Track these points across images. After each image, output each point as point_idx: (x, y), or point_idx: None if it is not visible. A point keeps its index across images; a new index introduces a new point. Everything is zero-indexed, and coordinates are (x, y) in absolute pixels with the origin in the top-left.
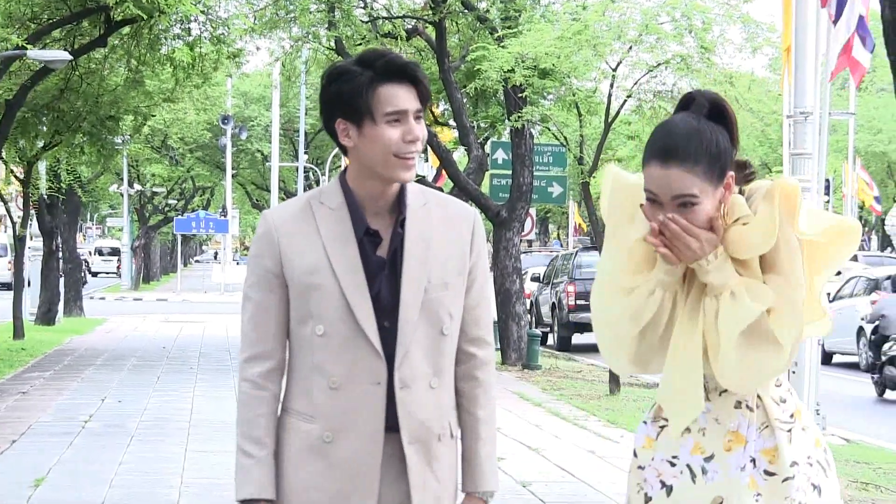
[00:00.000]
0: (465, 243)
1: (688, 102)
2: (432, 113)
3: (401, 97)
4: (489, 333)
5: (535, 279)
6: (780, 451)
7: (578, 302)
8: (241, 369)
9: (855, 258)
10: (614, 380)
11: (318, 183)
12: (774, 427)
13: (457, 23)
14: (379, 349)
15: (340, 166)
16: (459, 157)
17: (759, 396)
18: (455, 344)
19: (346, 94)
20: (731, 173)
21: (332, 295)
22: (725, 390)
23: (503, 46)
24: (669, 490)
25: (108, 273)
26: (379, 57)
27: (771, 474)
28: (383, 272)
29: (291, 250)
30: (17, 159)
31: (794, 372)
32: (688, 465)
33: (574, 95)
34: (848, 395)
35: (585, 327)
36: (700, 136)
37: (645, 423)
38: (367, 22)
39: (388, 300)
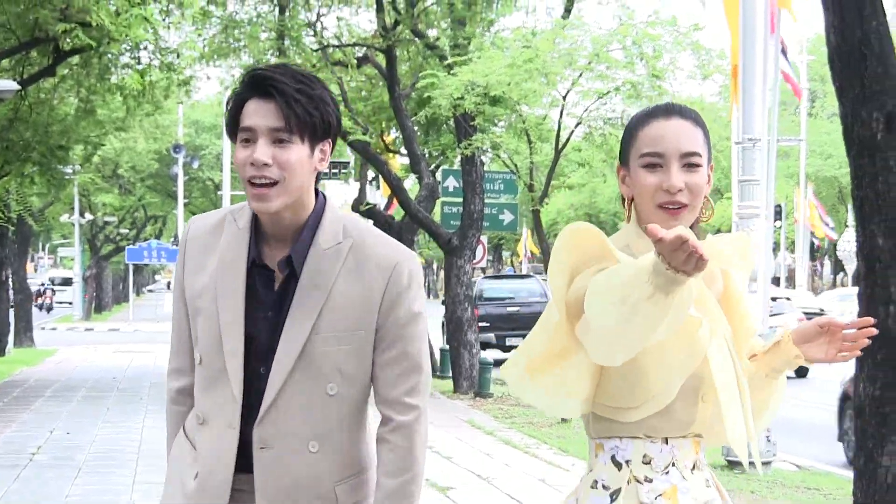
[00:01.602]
0: (374, 295)
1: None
2: (383, 141)
3: (251, 113)
4: (413, 396)
5: None
6: None
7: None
8: (166, 380)
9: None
10: None
11: None
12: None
13: (407, 50)
14: (236, 393)
15: None
16: (411, 185)
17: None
18: (356, 405)
19: (227, 116)
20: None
21: (210, 323)
22: (696, 467)
23: (453, 74)
24: None
25: (60, 303)
26: (251, 72)
27: None
28: (267, 311)
29: (192, 265)
30: None
31: None
32: None
33: (524, 123)
34: (798, 419)
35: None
36: (695, 112)
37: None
38: (316, 50)
39: (266, 343)
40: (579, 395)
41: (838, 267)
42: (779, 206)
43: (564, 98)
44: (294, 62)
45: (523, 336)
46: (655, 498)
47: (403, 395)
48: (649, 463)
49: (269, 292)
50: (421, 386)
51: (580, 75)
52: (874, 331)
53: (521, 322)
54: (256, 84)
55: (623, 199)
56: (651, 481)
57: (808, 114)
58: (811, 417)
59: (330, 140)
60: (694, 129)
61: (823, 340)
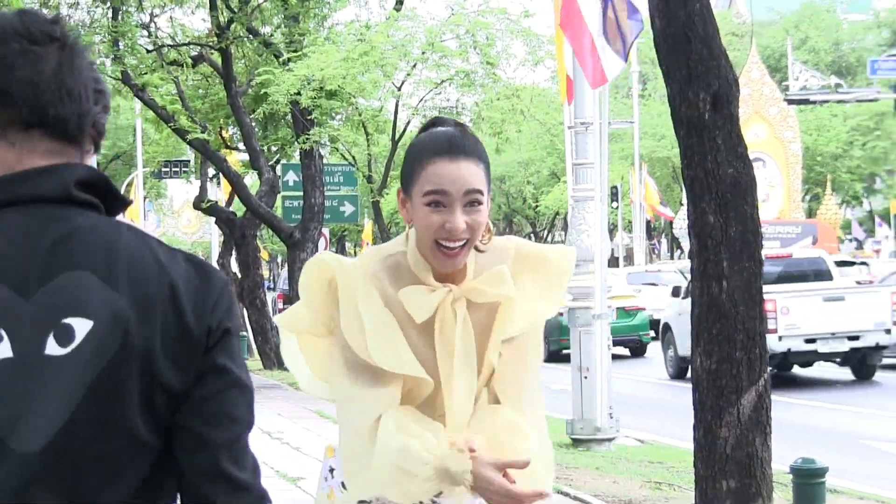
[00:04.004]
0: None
1: (436, 123)
2: (222, 138)
3: None
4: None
5: None
6: None
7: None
8: None
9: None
10: None
11: None
12: None
13: (242, 48)
14: None
15: (137, 195)
16: (251, 181)
17: None
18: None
19: None
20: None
21: None
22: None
23: (289, 70)
24: None
25: None
26: None
27: None
28: None
29: None
30: None
31: (585, 377)
32: None
33: (361, 115)
34: (640, 396)
35: None
36: (475, 139)
37: None
38: (151, 51)
39: None
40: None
41: (675, 245)
42: (615, 187)
43: (400, 89)
44: (129, 65)
45: None
46: None
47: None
48: None
49: None
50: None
51: (414, 66)
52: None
53: None
54: None
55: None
56: None
57: (640, 96)
58: (652, 393)
59: None
60: (477, 167)
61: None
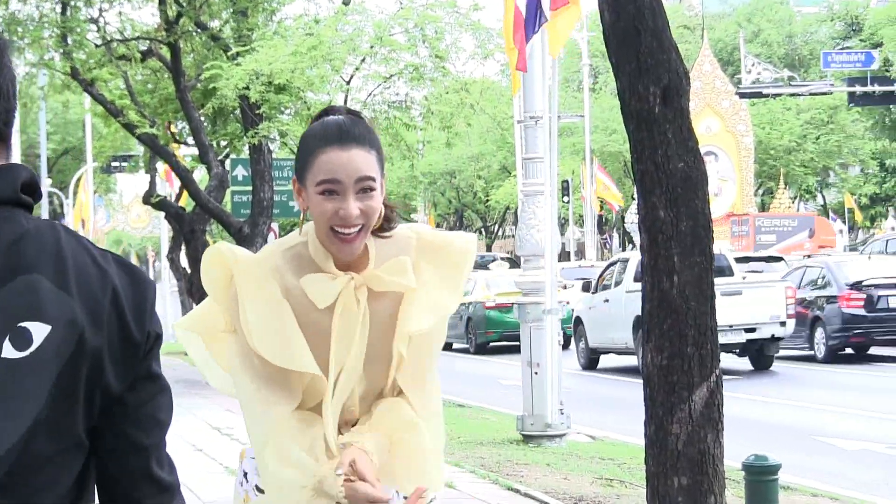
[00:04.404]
0: None
1: (328, 112)
2: (171, 132)
3: None
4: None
5: None
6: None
7: None
8: None
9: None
10: None
11: (62, 207)
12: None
13: (191, 42)
14: None
15: (86, 191)
16: (200, 176)
17: None
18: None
19: None
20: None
21: None
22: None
23: (237, 64)
24: None
25: None
26: None
27: None
28: None
29: None
30: None
31: (536, 373)
32: None
33: (310, 109)
34: (589, 391)
35: None
36: (367, 126)
37: None
38: (100, 45)
39: None
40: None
41: (627, 239)
42: (566, 181)
43: (349, 83)
44: (78, 60)
45: None
46: None
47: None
48: None
49: None
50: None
51: (363, 60)
52: None
53: None
54: None
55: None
56: None
57: (591, 90)
58: (605, 390)
59: None
60: (368, 154)
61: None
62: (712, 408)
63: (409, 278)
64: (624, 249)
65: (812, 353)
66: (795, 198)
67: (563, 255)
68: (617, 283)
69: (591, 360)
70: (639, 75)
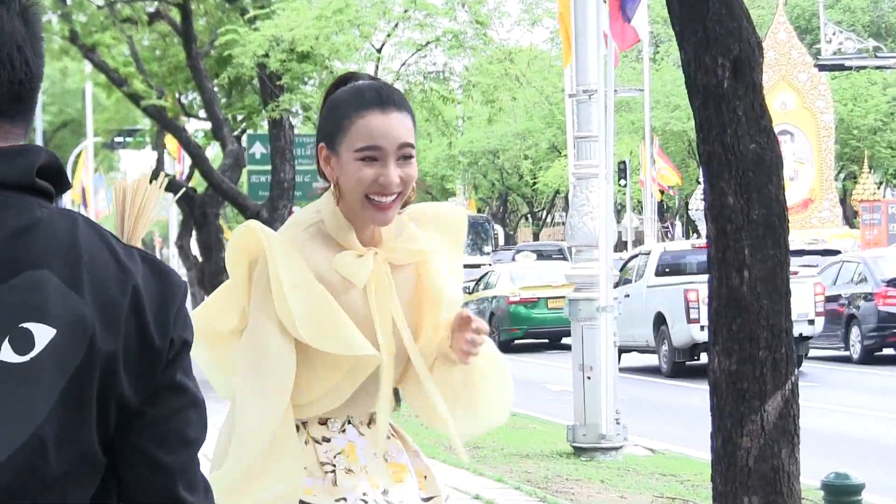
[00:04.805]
0: None
1: (348, 79)
2: (181, 104)
3: None
4: None
5: None
6: (432, 474)
7: None
8: None
9: None
10: (396, 393)
11: None
12: (417, 452)
13: (204, 4)
14: None
15: (86, 168)
16: (214, 153)
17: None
18: None
19: None
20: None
21: None
22: (372, 420)
23: (255, 29)
24: None
25: None
26: None
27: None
28: None
29: None
30: None
31: (588, 378)
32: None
33: None
34: (646, 399)
35: None
36: (401, 92)
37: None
38: (102, 7)
39: None
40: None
41: (691, 228)
42: (622, 163)
43: (380, 51)
44: (78, 23)
45: None
46: (335, 456)
47: None
48: (325, 423)
49: None
50: None
51: (396, 25)
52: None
53: None
54: None
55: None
56: (329, 440)
57: (652, 60)
58: (663, 396)
59: None
60: (407, 119)
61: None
62: (787, 419)
63: (424, 244)
64: (688, 239)
65: (847, 353)
66: (881, 183)
67: (620, 245)
68: (638, 278)
69: None
70: (706, 45)
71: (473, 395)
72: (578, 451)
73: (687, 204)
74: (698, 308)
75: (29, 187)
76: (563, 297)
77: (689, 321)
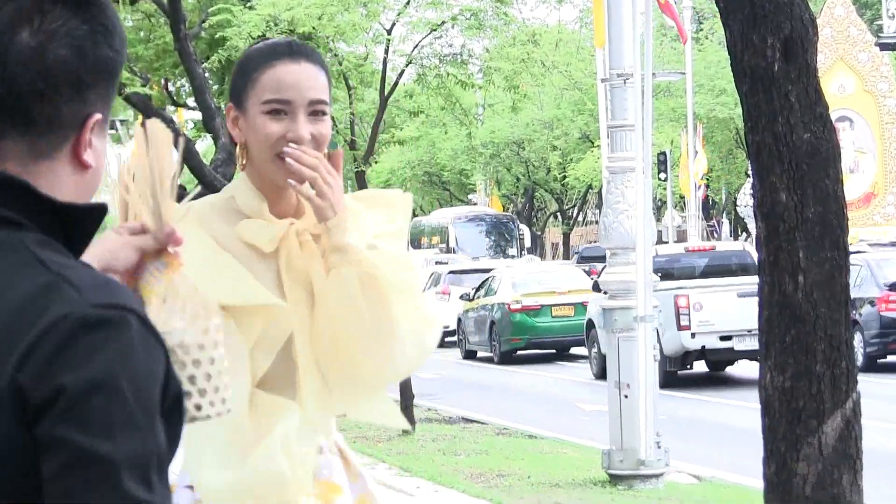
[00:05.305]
0: None
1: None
2: (168, 91)
3: None
4: None
5: None
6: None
7: None
8: None
9: None
10: (408, 414)
11: None
12: (361, 475)
13: None
14: None
15: None
16: (205, 148)
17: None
18: None
19: None
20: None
21: None
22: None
23: (251, 7)
24: None
25: None
26: None
27: None
28: None
29: None
30: None
31: (626, 396)
32: None
33: (341, 64)
34: (685, 417)
35: None
36: (318, 52)
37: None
38: None
39: None
40: None
41: (740, 226)
42: (663, 154)
43: (390, 32)
44: None
45: None
46: None
47: None
48: None
49: None
50: None
51: (407, 3)
52: None
53: None
54: None
55: (236, 143)
56: None
57: (694, 39)
58: (712, 418)
59: None
60: (320, 73)
61: None
62: (848, 441)
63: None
64: (735, 238)
65: None
66: None
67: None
68: None
69: (602, 368)
70: (753, 23)
71: (382, 313)
72: (615, 479)
73: (735, 200)
74: (689, 315)
75: None
76: (569, 305)
77: (680, 328)
